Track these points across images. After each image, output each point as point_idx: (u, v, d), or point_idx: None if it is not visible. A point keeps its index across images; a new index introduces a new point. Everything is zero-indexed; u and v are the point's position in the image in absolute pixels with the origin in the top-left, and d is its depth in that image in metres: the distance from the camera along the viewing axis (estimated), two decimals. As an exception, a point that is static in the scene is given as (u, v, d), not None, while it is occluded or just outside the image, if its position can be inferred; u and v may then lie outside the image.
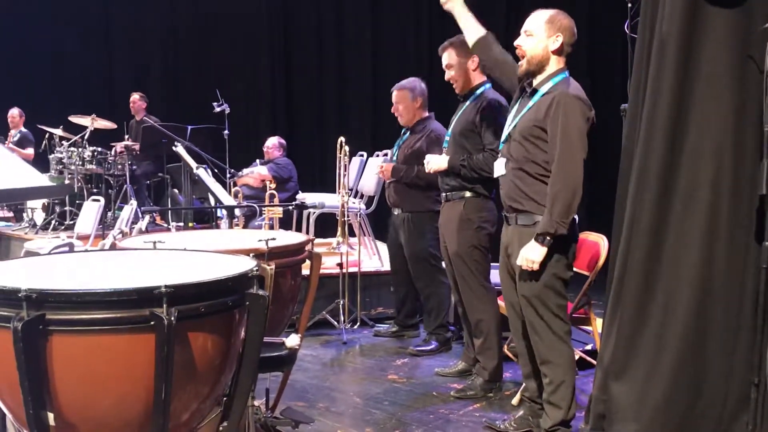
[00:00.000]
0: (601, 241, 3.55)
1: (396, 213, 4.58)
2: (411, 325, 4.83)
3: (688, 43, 2.58)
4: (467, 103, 3.71)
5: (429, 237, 4.37)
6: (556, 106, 2.78)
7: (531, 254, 2.81)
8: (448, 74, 3.75)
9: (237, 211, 5.18)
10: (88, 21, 9.80)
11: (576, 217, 2.91)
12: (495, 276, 3.77)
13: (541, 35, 2.87)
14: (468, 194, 3.64)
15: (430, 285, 4.46)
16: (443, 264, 4.50)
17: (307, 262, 2.79)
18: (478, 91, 3.70)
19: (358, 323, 5.00)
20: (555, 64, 2.88)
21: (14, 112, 8.50)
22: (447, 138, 3.78)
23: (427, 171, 3.78)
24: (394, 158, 4.59)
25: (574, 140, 2.75)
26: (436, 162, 3.71)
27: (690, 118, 2.60)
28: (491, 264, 3.72)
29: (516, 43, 2.94)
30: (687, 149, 2.61)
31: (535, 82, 2.92)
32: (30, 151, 8.20)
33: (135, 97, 7.89)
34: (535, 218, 2.86)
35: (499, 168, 3.03)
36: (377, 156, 6.03)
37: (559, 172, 2.76)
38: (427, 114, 4.50)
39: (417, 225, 4.40)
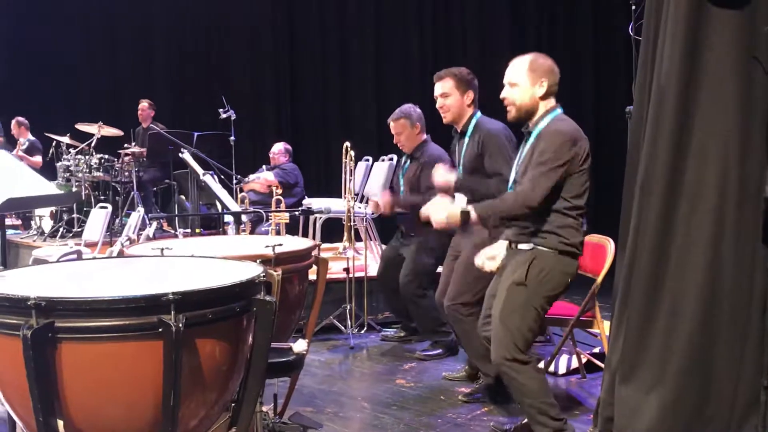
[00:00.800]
0: (607, 244, 3.54)
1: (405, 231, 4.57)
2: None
3: (693, 45, 2.57)
4: (466, 138, 3.67)
5: (435, 255, 4.34)
6: (541, 140, 2.81)
7: (446, 211, 2.86)
8: (441, 102, 3.70)
9: (244, 217, 5.19)
10: (93, 28, 9.88)
11: (579, 242, 2.89)
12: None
13: (525, 84, 2.88)
14: None
15: (414, 297, 4.41)
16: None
17: (314, 267, 2.80)
18: (473, 123, 3.67)
19: (365, 328, 4.99)
20: (544, 106, 2.90)
21: (12, 124, 8.53)
22: (458, 175, 3.74)
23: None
24: (401, 188, 4.54)
25: (545, 168, 2.75)
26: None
27: (695, 120, 2.59)
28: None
29: (501, 96, 2.96)
30: (692, 151, 2.60)
31: (531, 125, 2.94)
32: (38, 158, 8.25)
33: (144, 104, 7.91)
34: (533, 246, 2.87)
35: None
36: (383, 160, 6.04)
37: (521, 189, 2.79)
38: (425, 137, 4.48)
39: (426, 241, 4.36)
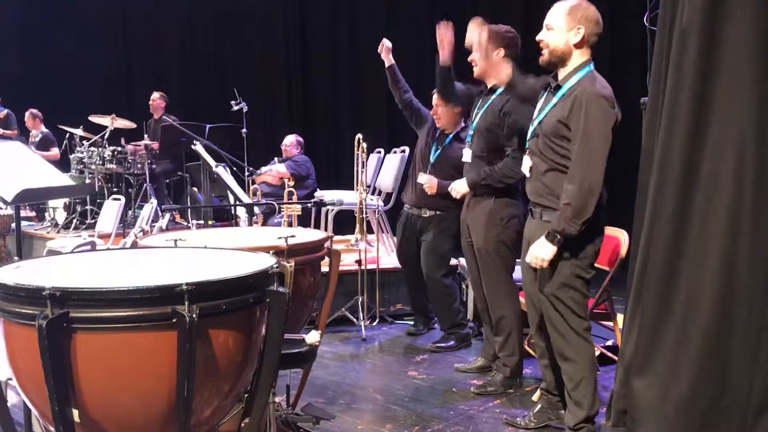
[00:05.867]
0: (621, 236, 3.52)
1: (419, 213, 4.44)
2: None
3: (710, 34, 2.54)
4: (494, 96, 3.63)
5: (453, 240, 4.31)
6: (578, 104, 2.73)
7: (540, 252, 2.79)
8: (472, 56, 3.63)
9: (256, 209, 5.20)
10: (106, 21, 9.91)
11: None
12: (518, 272, 3.76)
13: (561, 28, 2.80)
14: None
15: (438, 286, 4.40)
16: (455, 261, 4.48)
17: (327, 259, 2.80)
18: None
19: (377, 320, 5.00)
20: (578, 57, 2.82)
21: (26, 116, 8.59)
22: (470, 132, 3.72)
23: (456, 197, 3.80)
24: (430, 160, 4.35)
25: (594, 141, 2.71)
26: (459, 188, 3.73)
27: (712, 110, 2.56)
28: (516, 260, 3.70)
29: (538, 38, 2.88)
30: (709, 141, 2.57)
31: (560, 76, 2.87)
32: (55, 151, 8.30)
33: (155, 95, 7.94)
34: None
35: (526, 165, 2.99)
36: (394, 152, 6.03)
37: (575, 173, 2.72)
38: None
39: (445, 225, 4.31)
